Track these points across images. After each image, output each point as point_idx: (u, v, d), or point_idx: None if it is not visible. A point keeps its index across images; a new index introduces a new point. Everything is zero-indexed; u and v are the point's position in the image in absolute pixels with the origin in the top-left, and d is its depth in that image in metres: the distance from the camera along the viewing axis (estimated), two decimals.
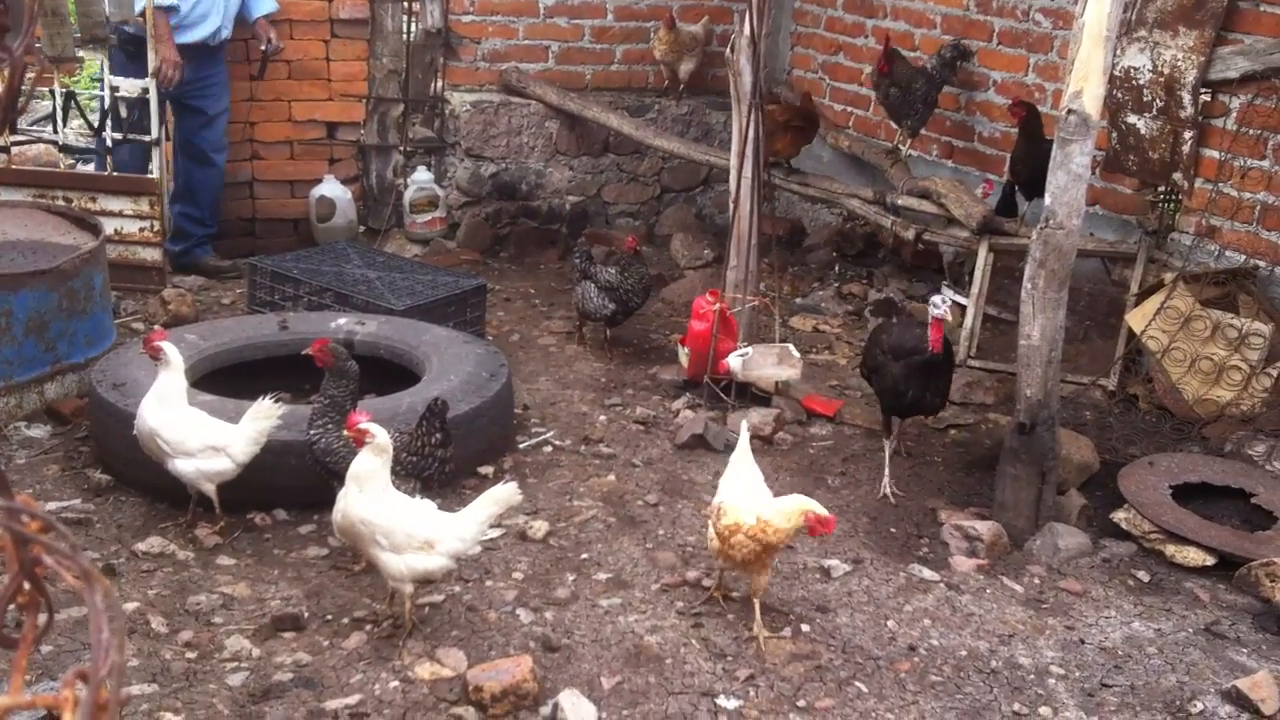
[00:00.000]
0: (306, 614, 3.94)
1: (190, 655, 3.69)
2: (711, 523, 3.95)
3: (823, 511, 3.75)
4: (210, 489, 4.34)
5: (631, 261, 6.27)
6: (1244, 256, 6.07)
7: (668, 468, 5.19)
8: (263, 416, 4.34)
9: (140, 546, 4.23)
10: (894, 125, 7.50)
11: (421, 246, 7.83)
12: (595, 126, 8.22)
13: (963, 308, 6.55)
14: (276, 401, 4.40)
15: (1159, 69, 6.19)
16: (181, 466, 4.29)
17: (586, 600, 4.12)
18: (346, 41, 7.57)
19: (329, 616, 3.95)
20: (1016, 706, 3.67)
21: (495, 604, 4.06)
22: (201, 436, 4.27)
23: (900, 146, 7.47)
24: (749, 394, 5.74)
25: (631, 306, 6.33)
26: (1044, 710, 3.67)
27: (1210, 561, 4.53)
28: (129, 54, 6.80)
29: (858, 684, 3.74)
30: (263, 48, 7.15)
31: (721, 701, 3.61)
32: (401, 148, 7.92)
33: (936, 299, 4.85)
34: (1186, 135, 6.17)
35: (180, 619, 3.88)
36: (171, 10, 6.63)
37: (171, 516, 4.47)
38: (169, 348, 4.35)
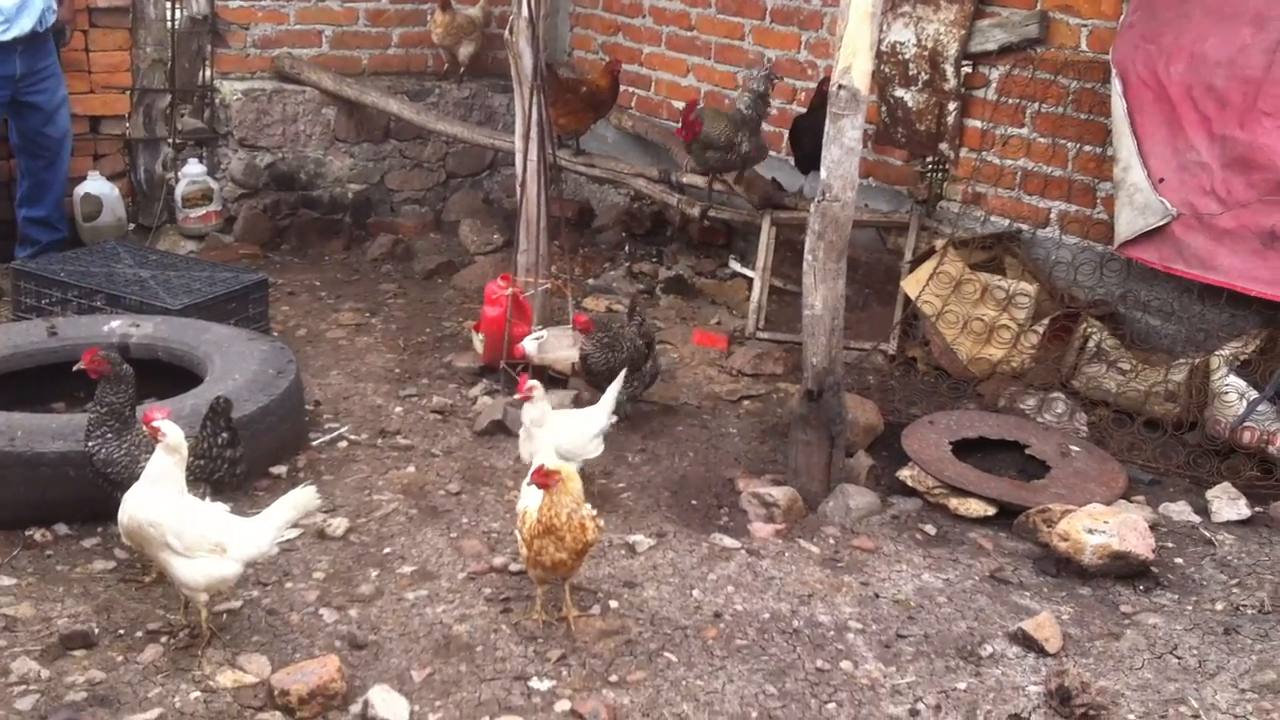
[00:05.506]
0: (97, 630, 3.77)
1: None
2: (518, 532, 3.89)
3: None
4: None
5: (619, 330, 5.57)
6: (1008, 221, 6.39)
7: (468, 456, 5.16)
8: None
9: None
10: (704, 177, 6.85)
11: (197, 242, 7.55)
12: (375, 112, 8.07)
13: (750, 281, 6.70)
14: None
15: (923, 43, 6.45)
16: None
17: (392, 595, 4.07)
18: (106, 31, 7.23)
19: (121, 631, 3.79)
20: (819, 663, 3.79)
21: (297, 606, 3.96)
22: None
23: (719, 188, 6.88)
24: (546, 376, 5.74)
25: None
26: (845, 664, 3.81)
27: (991, 512, 4.77)
28: None
29: (667, 654, 3.80)
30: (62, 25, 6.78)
31: (534, 684, 3.62)
32: (170, 140, 7.61)
33: None
34: (951, 107, 6.45)
35: None
36: None
37: None
38: None
